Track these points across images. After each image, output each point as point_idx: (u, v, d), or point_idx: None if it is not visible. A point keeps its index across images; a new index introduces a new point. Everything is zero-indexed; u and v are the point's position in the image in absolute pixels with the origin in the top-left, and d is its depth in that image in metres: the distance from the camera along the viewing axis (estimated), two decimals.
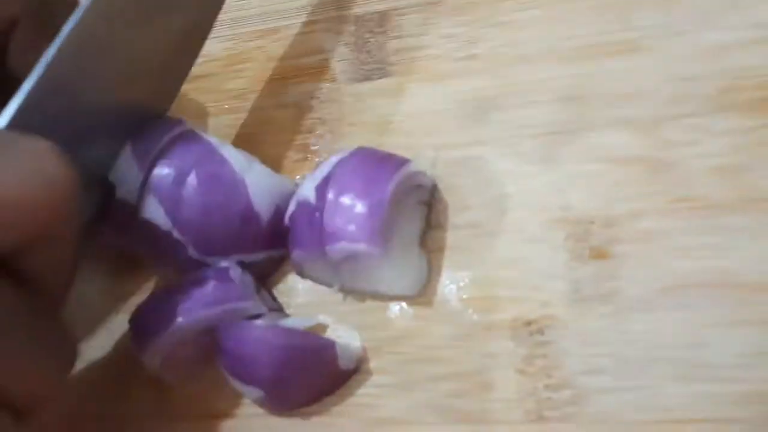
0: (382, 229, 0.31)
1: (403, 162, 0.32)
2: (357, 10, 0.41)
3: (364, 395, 0.33)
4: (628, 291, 0.30)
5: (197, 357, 0.33)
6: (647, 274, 0.30)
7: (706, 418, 0.28)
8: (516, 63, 0.36)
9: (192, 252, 0.33)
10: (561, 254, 0.32)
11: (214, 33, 0.39)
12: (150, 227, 0.33)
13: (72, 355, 0.28)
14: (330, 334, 0.33)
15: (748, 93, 0.32)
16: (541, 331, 0.31)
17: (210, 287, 0.32)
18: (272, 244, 0.34)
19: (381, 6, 0.40)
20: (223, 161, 0.34)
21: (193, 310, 0.32)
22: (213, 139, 0.35)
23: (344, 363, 0.32)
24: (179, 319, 0.31)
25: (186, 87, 0.38)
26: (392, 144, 0.36)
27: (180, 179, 0.33)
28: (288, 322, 0.34)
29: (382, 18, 0.40)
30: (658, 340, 0.29)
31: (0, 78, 0.33)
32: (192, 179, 0.33)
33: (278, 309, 0.35)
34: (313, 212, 0.32)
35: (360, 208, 0.31)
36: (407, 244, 0.33)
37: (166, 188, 0.33)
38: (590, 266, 0.31)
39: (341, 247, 0.31)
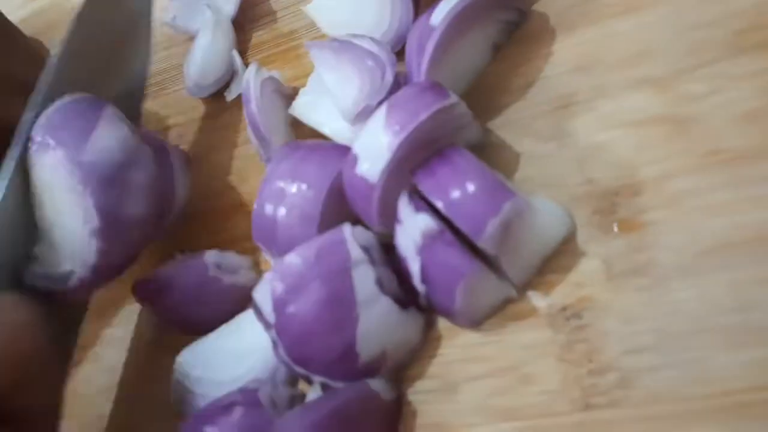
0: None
1: None
2: None
3: (411, 402, 0.32)
4: (664, 260, 0.28)
5: None
6: (682, 239, 0.28)
7: (763, 384, 0.25)
8: (520, 42, 0.35)
9: (282, 354, 0.31)
10: (589, 231, 0.30)
11: None
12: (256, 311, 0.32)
13: None
14: None
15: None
16: (578, 315, 0.29)
17: (237, 415, 0.31)
18: (364, 376, 0.31)
19: None
20: (349, 285, 0.30)
21: None
22: (355, 253, 0.31)
23: (386, 394, 0.31)
24: None
25: None
26: None
27: (299, 284, 0.30)
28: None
29: None
30: (702, 307, 0.27)
31: None
32: (308, 293, 0.30)
33: None
34: (443, 232, 0.29)
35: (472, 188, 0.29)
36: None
37: (282, 284, 0.30)
38: (621, 240, 0.29)
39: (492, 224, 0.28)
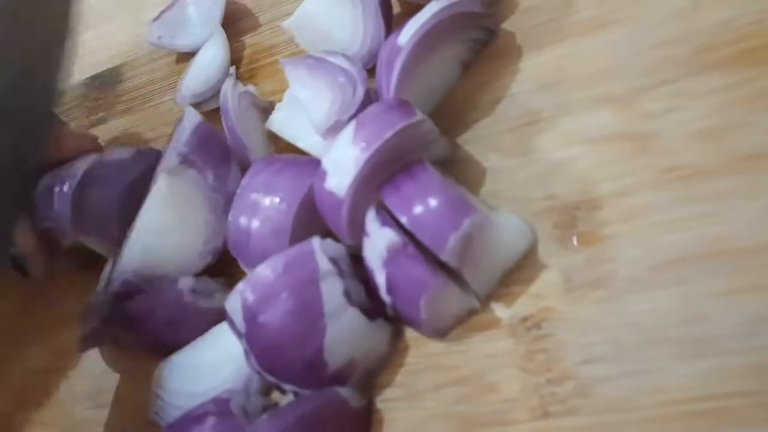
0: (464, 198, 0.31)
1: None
2: None
3: (379, 410, 0.33)
4: (622, 273, 0.29)
5: None
6: (639, 253, 0.29)
7: (713, 394, 0.26)
8: (489, 59, 0.36)
9: (254, 363, 0.32)
10: (550, 245, 0.31)
11: None
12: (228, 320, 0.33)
13: None
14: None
15: (726, 49, 0.30)
16: (538, 326, 0.30)
17: (209, 425, 0.32)
18: (333, 384, 0.32)
19: None
20: (317, 296, 0.31)
21: None
22: (323, 264, 0.31)
23: (354, 402, 0.32)
24: None
25: None
26: None
27: (269, 295, 0.31)
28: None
29: None
30: (656, 319, 0.28)
31: None
32: (277, 304, 0.31)
33: None
34: (406, 246, 0.30)
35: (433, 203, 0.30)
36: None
37: (253, 294, 0.31)
38: (580, 253, 0.30)
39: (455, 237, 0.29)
